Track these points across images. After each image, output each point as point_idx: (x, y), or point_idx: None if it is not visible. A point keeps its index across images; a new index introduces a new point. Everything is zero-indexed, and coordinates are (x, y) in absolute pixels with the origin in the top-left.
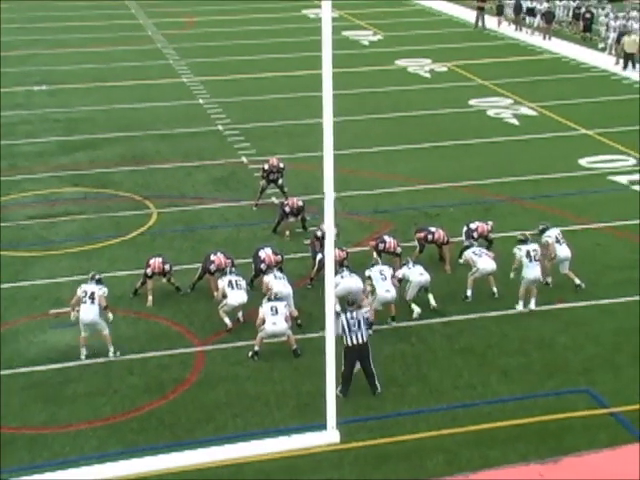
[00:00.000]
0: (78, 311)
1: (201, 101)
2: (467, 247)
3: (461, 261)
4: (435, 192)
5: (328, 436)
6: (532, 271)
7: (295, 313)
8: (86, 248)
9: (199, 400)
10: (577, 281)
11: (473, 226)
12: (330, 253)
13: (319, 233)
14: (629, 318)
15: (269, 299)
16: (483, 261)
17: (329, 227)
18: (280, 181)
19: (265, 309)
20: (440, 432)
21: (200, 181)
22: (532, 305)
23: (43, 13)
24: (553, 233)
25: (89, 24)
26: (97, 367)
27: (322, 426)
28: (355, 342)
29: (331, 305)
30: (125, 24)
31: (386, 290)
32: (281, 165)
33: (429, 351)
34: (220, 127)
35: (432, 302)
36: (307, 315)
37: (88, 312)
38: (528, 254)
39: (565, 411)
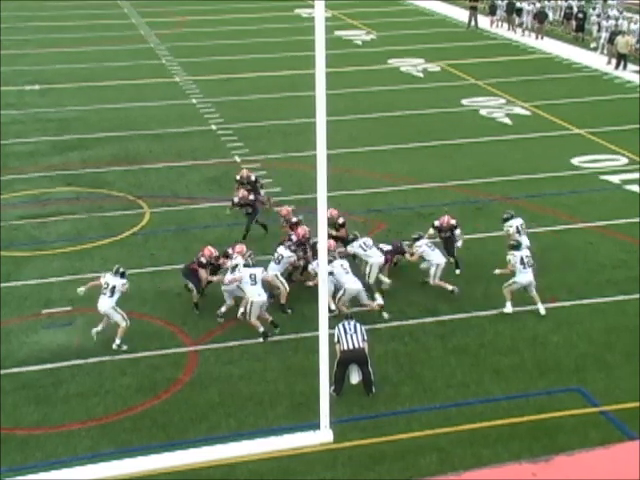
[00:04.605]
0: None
1: (194, 101)
2: (417, 239)
3: (413, 253)
4: (428, 192)
5: (321, 435)
6: (525, 276)
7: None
8: (78, 248)
9: (192, 400)
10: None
11: (437, 223)
12: (323, 253)
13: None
14: (621, 317)
15: (246, 265)
16: (437, 255)
17: (322, 227)
18: (262, 191)
19: (244, 275)
20: (433, 431)
21: (193, 181)
22: (541, 310)
23: (35, 12)
24: (515, 223)
25: (81, 23)
26: (89, 367)
27: (315, 425)
28: (352, 346)
29: (324, 304)
30: (117, 24)
31: (354, 282)
32: (252, 178)
33: (422, 350)
34: (213, 127)
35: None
36: (300, 315)
37: (103, 303)
38: (522, 260)
39: (557, 410)
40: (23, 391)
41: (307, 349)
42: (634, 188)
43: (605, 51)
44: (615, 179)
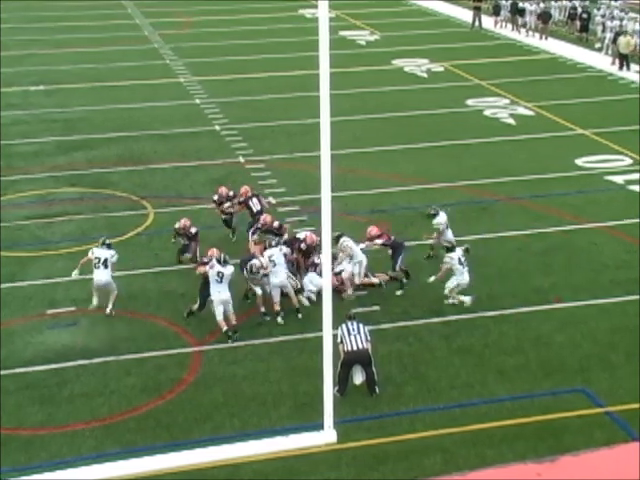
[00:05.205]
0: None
1: (198, 101)
2: (339, 236)
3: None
4: (432, 192)
5: (325, 436)
6: (466, 276)
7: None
8: (83, 248)
9: (196, 400)
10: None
11: (301, 236)
12: (327, 252)
13: (301, 236)
14: (625, 317)
15: (218, 261)
16: (359, 252)
17: (326, 228)
18: (232, 210)
19: (211, 273)
20: (437, 432)
21: (197, 181)
22: (467, 299)
23: (40, 13)
24: (443, 219)
25: (86, 24)
26: (94, 367)
27: (319, 426)
28: (355, 347)
29: (328, 305)
30: (122, 24)
31: (278, 276)
32: (230, 193)
33: (426, 350)
34: (217, 127)
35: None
36: (304, 315)
37: (101, 275)
38: (460, 261)
39: (562, 410)
40: (27, 391)
41: (311, 349)
42: (637, 188)
43: (610, 51)
44: (619, 179)
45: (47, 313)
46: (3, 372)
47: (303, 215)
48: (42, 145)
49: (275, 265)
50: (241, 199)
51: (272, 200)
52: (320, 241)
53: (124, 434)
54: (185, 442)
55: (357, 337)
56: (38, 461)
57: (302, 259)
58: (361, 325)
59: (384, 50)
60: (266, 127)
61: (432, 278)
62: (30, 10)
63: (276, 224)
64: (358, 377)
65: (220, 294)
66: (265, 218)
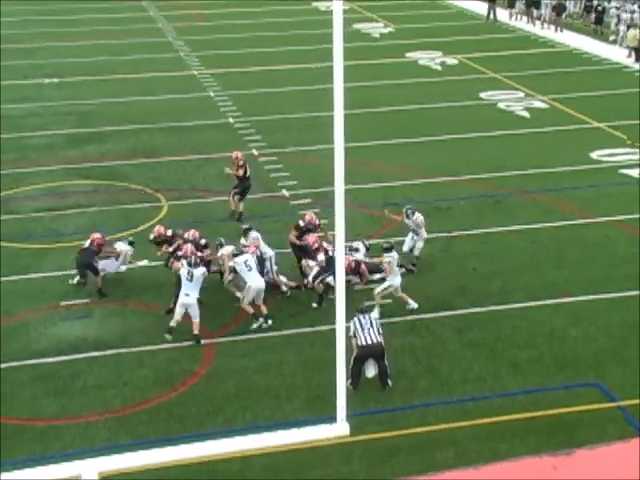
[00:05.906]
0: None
1: (211, 94)
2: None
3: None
4: (445, 185)
5: (338, 428)
6: (398, 278)
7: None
8: None
9: (209, 393)
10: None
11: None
12: (340, 245)
13: (301, 223)
14: (639, 311)
15: (189, 264)
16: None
17: (339, 222)
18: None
19: (182, 273)
20: (450, 425)
21: (210, 174)
22: (413, 305)
23: (52, 6)
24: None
25: (99, 16)
26: (107, 359)
27: (332, 419)
28: (369, 342)
29: (341, 298)
30: (136, 16)
31: (256, 279)
32: (169, 233)
33: (439, 344)
34: (230, 120)
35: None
36: (316, 308)
37: (111, 266)
38: (398, 262)
39: (575, 405)
40: (42, 382)
41: (324, 342)
42: None
43: (625, 44)
44: (634, 173)
45: (60, 305)
46: (18, 363)
47: (316, 208)
48: (55, 137)
49: (251, 269)
50: (241, 162)
51: (285, 193)
52: (318, 223)
53: (137, 426)
54: (197, 434)
55: (370, 331)
56: (52, 451)
57: (296, 238)
58: (373, 318)
59: (398, 43)
60: (279, 120)
61: (377, 276)
62: (43, 3)
63: (203, 241)
64: (371, 370)
65: (188, 297)
66: (194, 233)
